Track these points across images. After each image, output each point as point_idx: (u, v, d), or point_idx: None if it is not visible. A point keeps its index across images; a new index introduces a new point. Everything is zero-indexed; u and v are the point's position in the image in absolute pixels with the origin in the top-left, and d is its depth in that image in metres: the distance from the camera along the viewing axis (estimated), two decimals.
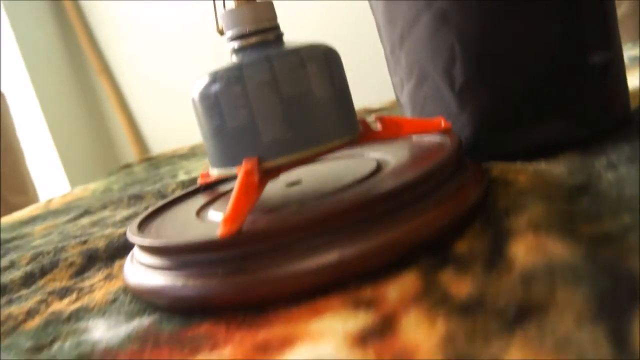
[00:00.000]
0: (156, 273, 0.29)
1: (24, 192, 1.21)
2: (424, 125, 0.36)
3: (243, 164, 0.29)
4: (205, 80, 0.31)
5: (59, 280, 0.40)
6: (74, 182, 1.59)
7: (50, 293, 0.37)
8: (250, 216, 0.29)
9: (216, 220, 0.32)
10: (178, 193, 0.51)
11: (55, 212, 0.72)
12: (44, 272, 0.42)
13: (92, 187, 0.87)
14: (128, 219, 0.54)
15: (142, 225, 0.35)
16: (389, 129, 0.35)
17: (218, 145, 0.31)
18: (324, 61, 0.31)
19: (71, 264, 0.42)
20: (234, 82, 0.29)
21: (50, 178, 1.58)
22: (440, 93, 0.39)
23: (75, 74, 1.70)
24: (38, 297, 0.37)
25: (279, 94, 0.29)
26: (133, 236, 0.31)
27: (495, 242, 0.25)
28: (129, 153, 1.74)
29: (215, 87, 0.30)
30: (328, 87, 0.31)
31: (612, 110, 0.37)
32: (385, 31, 0.43)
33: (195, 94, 0.31)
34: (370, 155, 0.38)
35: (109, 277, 0.37)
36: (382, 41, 0.45)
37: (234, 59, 0.32)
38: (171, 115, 1.63)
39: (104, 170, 1.65)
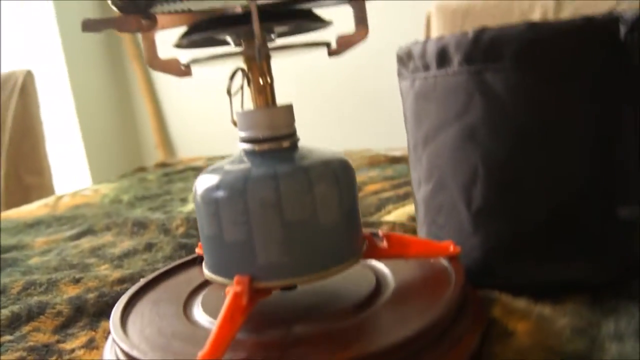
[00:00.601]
0: None
1: (39, 174, 1.22)
2: (430, 249, 0.35)
3: (234, 282, 0.28)
4: (210, 181, 0.30)
5: (42, 332, 0.39)
6: (93, 164, 1.60)
7: (31, 350, 0.37)
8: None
9: (202, 323, 0.31)
10: (172, 259, 0.50)
11: (60, 219, 0.72)
12: (30, 316, 0.41)
13: (103, 192, 0.87)
14: (127, 255, 0.54)
15: (129, 306, 0.34)
16: (395, 248, 0.34)
17: (213, 252, 0.30)
18: (334, 182, 0.30)
19: (58, 314, 0.41)
20: (237, 197, 0.28)
21: (71, 159, 1.59)
22: (456, 208, 0.37)
23: (109, 56, 1.71)
24: (18, 352, 0.36)
25: (281, 217, 0.28)
26: (114, 329, 0.30)
27: None
28: (151, 141, 1.75)
29: (218, 195, 0.29)
30: (334, 212, 0.30)
31: (631, 260, 0.35)
32: (411, 125, 0.42)
33: (199, 192, 0.30)
34: (371, 263, 0.37)
35: (89, 345, 0.37)
36: (406, 130, 0.43)
37: (243, 157, 0.31)
38: (199, 110, 1.63)
39: (125, 157, 1.66)
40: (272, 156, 0.30)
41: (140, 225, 0.63)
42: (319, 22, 0.30)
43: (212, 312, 0.32)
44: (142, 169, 1.03)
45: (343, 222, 0.30)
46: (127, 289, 0.44)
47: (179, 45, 0.31)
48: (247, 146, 0.31)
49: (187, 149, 1.74)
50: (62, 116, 1.57)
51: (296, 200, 0.28)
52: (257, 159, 0.30)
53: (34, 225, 0.71)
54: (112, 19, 0.30)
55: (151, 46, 0.31)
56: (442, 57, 0.37)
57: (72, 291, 0.46)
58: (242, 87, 0.31)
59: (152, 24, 0.30)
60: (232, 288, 0.28)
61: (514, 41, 0.33)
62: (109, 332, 0.35)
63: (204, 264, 0.32)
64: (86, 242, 0.60)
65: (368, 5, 0.31)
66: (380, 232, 0.34)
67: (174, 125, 1.71)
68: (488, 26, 0.34)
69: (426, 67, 0.38)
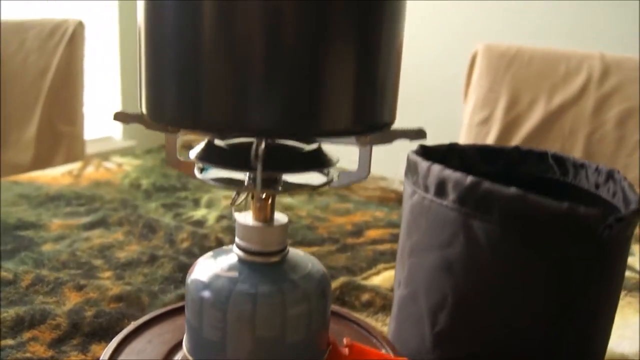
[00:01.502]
0: None
1: (72, 123, 1.27)
2: None
3: None
4: (202, 276, 0.33)
5: (40, 343, 0.44)
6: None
7: None
8: None
9: None
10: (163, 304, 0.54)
11: (80, 198, 0.77)
12: (32, 323, 0.46)
13: (125, 168, 0.92)
14: (130, 264, 0.58)
15: (116, 353, 0.38)
16: (354, 356, 0.37)
17: (192, 336, 0.34)
18: (307, 305, 0.33)
19: (56, 327, 0.46)
20: (218, 306, 0.32)
21: (106, 108, 1.64)
22: (422, 323, 0.40)
23: None
24: None
25: (253, 331, 0.32)
26: None
27: None
28: None
29: (204, 296, 0.33)
30: (303, 330, 0.33)
31: None
32: (403, 229, 0.44)
33: (191, 280, 0.34)
34: None
35: None
36: (401, 226, 0.46)
37: (234, 262, 0.34)
38: None
39: None
40: (259, 270, 0.34)
41: (150, 229, 0.68)
42: (327, 166, 0.32)
43: None
44: None
45: (310, 338, 0.34)
46: (121, 311, 0.49)
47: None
48: (239, 252, 0.34)
49: None
50: (105, 66, 1.61)
51: (269, 320, 0.32)
52: (244, 269, 0.34)
53: (55, 199, 0.76)
54: (141, 116, 0.33)
55: (172, 148, 0.34)
56: (441, 188, 0.39)
57: (74, 299, 0.51)
58: (245, 200, 0.34)
59: (176, 130, 0.33)
60: None
61: (504, 203, 0.35)
62: None
63: (185, 337, 0.36)
64: (97, 236, 0.65)
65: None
66: (345, 341, 0.38)
67: None
68: (484, 180, 0.36)
69: (426, 189, 0.41)
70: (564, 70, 1.02)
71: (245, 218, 0.35)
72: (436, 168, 0.40)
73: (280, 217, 0.35)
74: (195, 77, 0.27)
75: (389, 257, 0.65)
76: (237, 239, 0.34)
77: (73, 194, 0.78)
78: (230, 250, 0.35)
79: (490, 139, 1.05)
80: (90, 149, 1.44)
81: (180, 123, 0.29)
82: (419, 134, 0.33)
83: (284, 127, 0.27)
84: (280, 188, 0.32)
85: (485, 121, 1.06)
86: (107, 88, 1.63)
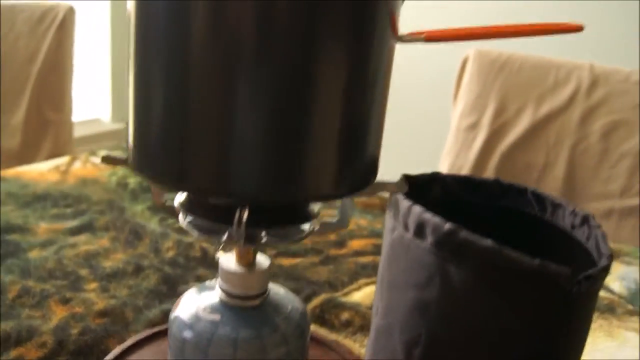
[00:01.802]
0: None
1: (60, 110, 1.26)
2: None
3: None
4: (185, 313, 0.35)
5: None
6: (116, 99, 1.64)
7: None
8: None
9: None
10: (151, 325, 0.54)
11: (67, 198, 0.78)
12: (19, 340, 0.47)
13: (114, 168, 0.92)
14: (116, 275, 0.59)
15: None
16: None
17: None
18: (286, 348, 0.34)
19: (42, 345, 0.47)
20: (200, 348, 0.33)
21: (95, 93, 1.63)
22: (396, 356, 0.42)
23: None
24: None
25: None
26: None
27: None
28: None
29: (186, 336, 0.34)
30: None
31: None
32: (383, 260, 0.45)
33: (173, 316, 0.35)
34: None
35: None
36: (381, 254, 0.47)
37: (216, 303, 0.35)
38: None
39: None
40: (240, 313, 0.35)
41: (136, 235, 0.68)
42: (309, 220, 0.33)
43: None
44: None
45: None
46: (105, 328, 0.50)
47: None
48: (220, 293, 0.35)
49: None
50: (96, 51, 1.59)
51: None
52: (226, 312, 0.35)
53: (41, 199, 0.76)
54: (127, 161, 0.33)
55: (159, 193, 0.35)
56: (420, 230, 0.40)
57: (60, 313, 0.52)
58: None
59: None
60: None
61: (481, 254, 0.36)
62: None
63: None
64: (84, 242, 0.66)
65: None
66: None
67: None
68: (462, 227, 0.37)
69: (406, 227, 0.42)
70: (553, 80, 1.03)
71: (228, 261, 0.35)
72: (416, 209, 0.41)
73: (262, 261, 0.36)
74: (180, 142, 0.28)
75: (370, 271, 0.66)
76: (219, 280, 0.35)
77: (59, 194, 0.79)
78: (213, 288, 0.36)
79: (476, 145, 1.06)
80: (78, 132, 1.43)
81: (163, 182, 0.30)
82: (400, 186, 0.34)
83: (267, 194, 0.28)
84: (262, 240, 0.33)
85: (473, 127, 1.07)
86: (96, 70, 1.62)
